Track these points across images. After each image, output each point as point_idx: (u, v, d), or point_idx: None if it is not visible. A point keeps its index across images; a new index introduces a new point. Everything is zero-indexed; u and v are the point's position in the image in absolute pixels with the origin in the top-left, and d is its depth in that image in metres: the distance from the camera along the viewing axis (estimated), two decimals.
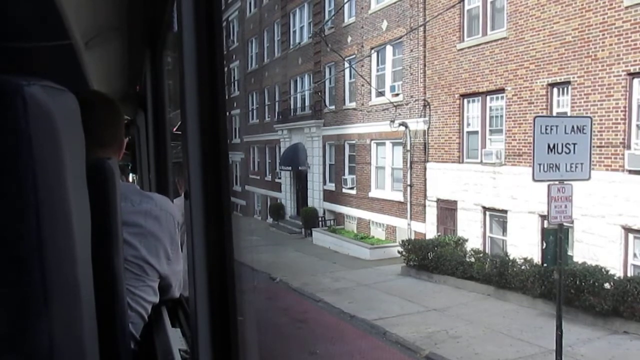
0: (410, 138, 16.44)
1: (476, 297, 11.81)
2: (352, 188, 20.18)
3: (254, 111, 32.20)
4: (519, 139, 12.64)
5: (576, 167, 7.17)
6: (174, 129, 2.80)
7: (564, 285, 7.80)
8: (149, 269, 1.52)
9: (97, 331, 0.73)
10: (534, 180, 7.24)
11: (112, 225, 1.06)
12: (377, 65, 18.71)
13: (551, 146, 7.04)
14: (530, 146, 12.22)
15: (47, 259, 0.57)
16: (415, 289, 12.78)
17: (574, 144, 7.11)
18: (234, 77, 34.90)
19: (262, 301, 12.52)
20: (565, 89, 11.56)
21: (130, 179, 5.95)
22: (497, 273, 11.53)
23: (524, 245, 12.18)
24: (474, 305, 11.29)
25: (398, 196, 17.34)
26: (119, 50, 2.50)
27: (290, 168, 24.46)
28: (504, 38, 12.94)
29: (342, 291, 13.05)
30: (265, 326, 10.29)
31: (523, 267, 11.11)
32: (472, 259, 12.76)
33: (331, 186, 22.09)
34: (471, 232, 14.08)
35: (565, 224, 7.25)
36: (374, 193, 18.93)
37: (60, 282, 0.60)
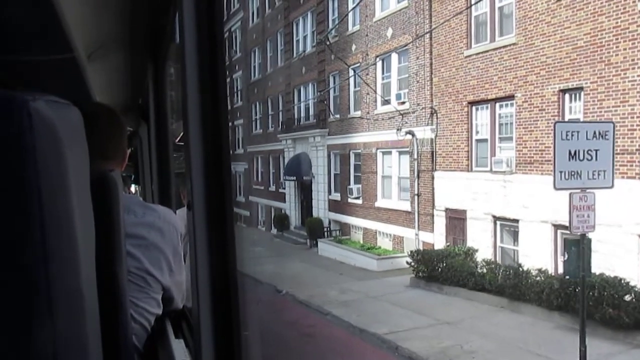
0: (418, 146, 16.18)
1: (489, 309, 11.46)
2: (357, 198, 19.88)
3: (257, 121, 32.04)
4: (530, 147, 12.36)
5: (598, 174, 6.86)
6: (177, 140, 2.83)
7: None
8: (151, 281, 1.53)
9: (101, 343, 0.74)
10: (556, 188, 6.92)
11: (115, 237, 1.06)
12: (383, 73, 18.50)
13: (572, 153, 6.74)
14: (542, 154, 12.07)
15: (51, 270, 0.58)
16: (425, 301, 12.45)
17: (596, 151, 6.82)
18: (237, 88, 34.80)
19: (268, 314, 12.22)
20: (578, 95, 11.29)
21: (133, 190, 5.89)
22: (511, 284, 11.19)
23: (537, 255, 11.85)
24: (487, 317, 10.94)
25: (405, 206, 17.04)
26: (121, 62, 2.54)
27: (294, 178, 24.21)
28: (513, 44, 12.72)
29: (350, 303, 12.71)
30: (272, 340, 9.98)
31: (538, 278, 10.77)
32: (484, 270, 12.41)
33: (336, 196, 21.81)
34: (481, 242, 13.76)
35: (588, 234, 6.94)
36: (380, 203, 18.64)
37: (65, 293, 0.61)
